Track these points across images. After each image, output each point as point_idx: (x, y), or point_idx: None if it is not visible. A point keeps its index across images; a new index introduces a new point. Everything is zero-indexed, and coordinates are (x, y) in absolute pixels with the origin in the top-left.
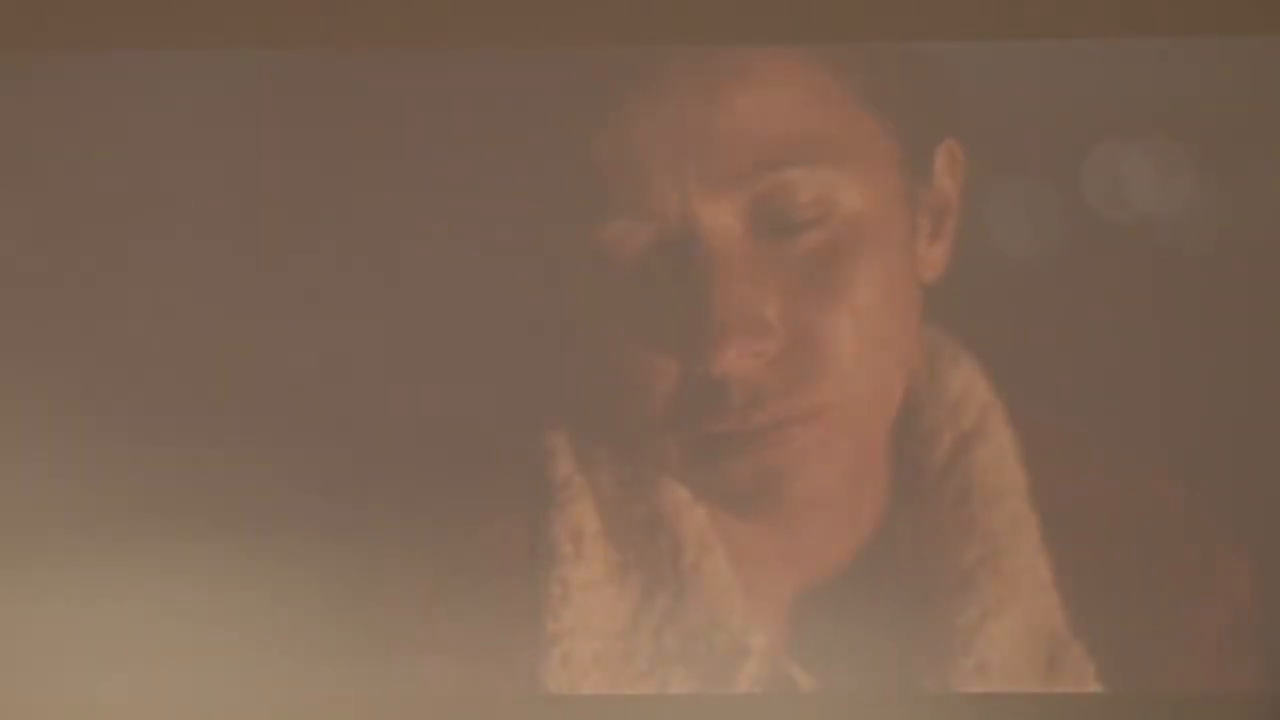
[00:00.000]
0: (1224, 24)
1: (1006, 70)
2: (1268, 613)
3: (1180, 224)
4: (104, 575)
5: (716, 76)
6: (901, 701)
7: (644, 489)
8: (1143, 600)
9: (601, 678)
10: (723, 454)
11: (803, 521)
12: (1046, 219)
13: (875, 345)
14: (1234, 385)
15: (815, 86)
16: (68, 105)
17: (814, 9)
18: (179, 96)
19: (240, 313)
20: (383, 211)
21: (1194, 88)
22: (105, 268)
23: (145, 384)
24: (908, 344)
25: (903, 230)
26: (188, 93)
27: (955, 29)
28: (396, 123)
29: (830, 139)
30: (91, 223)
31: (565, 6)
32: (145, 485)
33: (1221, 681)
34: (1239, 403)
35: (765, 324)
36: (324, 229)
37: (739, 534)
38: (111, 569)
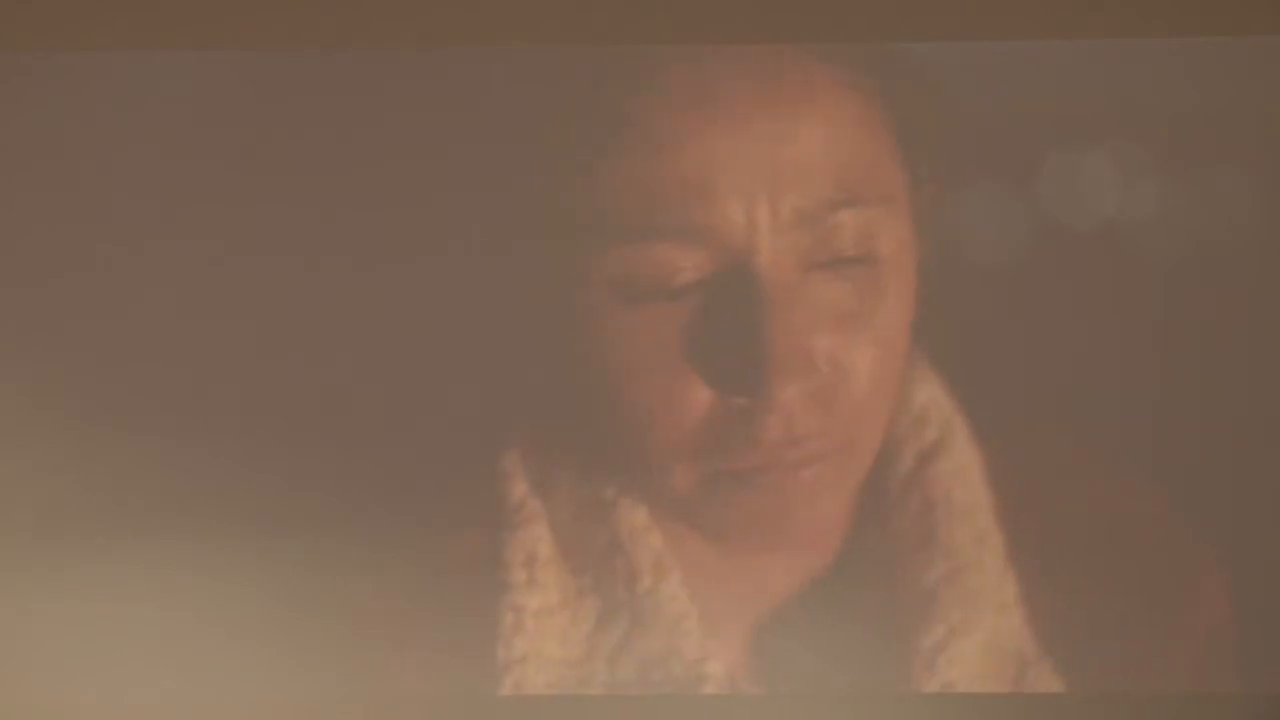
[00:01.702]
0: (1228, 26)
1: (979, 77)
2: (1243, 618)
3: (1150, 232)
4: (85, 579)
5: (785, 99)
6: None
7: (601, 512)
8: (1112, 614)
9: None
10: (737, 488)
11: (774, 547)
12: (1011, 235)
13: (889, 380)
14: (1205, 392)
15: (867, 119)
16: (69, 105)
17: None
18: (177, 97)
19: (230, 319)
20: (391, 220)
21: (1181, 91)
22: (102, 268)
23: (139, 386)
24: (904, 374)
25: (914, 266)
26: (186, 93)
27: (958, 30)
28: (430, 125)
29: (878, 176)
30: (90, 223)
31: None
32: (132, 488)
33: (1196, 687)
34: (1210, 409)
35: (813, 361)
36: (328, 237)
37: (697, 557)
38: (92, 573)
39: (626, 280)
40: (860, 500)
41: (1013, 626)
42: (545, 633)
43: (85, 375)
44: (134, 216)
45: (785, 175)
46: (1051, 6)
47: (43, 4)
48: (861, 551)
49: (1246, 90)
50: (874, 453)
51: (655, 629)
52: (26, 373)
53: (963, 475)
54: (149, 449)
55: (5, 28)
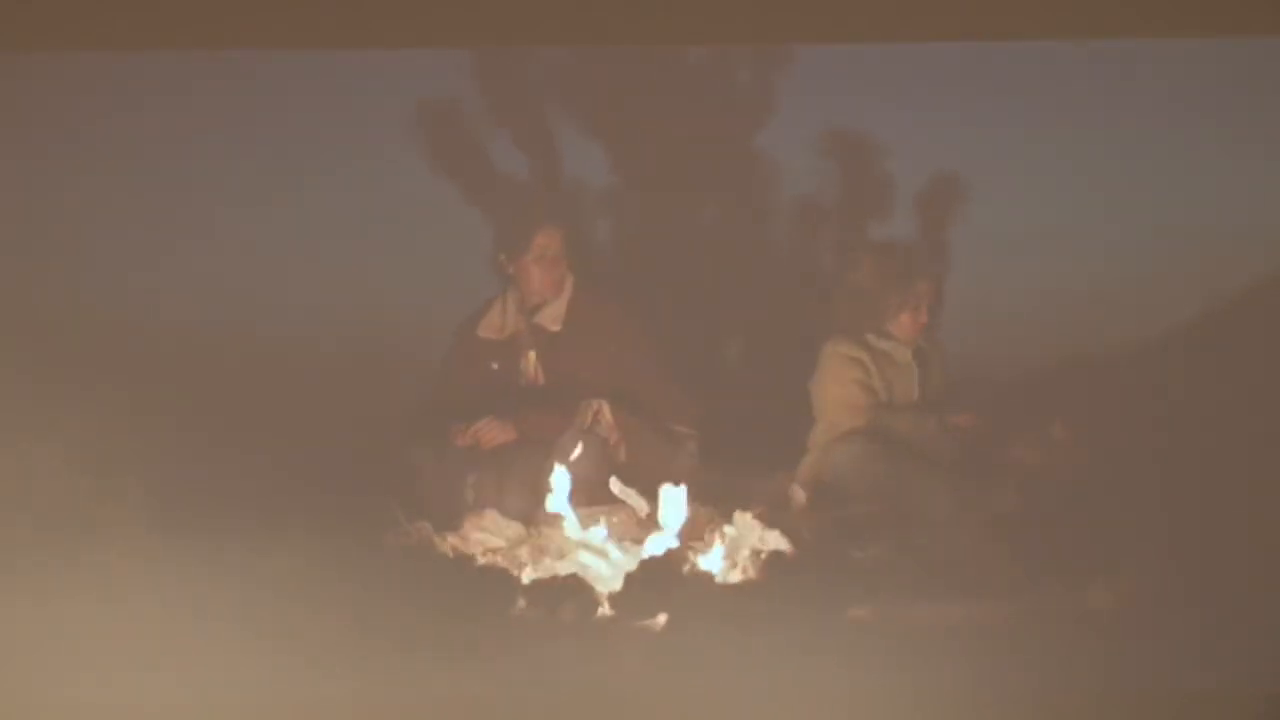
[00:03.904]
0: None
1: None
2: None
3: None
4: (85, 579)
5: None
6: None
7: None
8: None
9: None
10: None
11: None
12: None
13: None
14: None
15: None
16: (69, 105)
17: None
18: (178, 96)
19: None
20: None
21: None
22: (101, 267)
23: (139, 385)
24: None
25: None
26: (187, 93)
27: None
28: None
29: None
30: (83, 222)
31: None
32: (132, 487)
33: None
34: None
35: None
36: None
37: None
38: (92, 573)
39: None
40: None
41: None
42: None
43: (83, 374)
44: (133, 214)
45: None
46: (1051, 6)
47: (43, 4)
48: None
49: (1248, 89)
50: None
51: None
52: (25, 371)
53: None
54: (150, 448)
55: (5, 28)
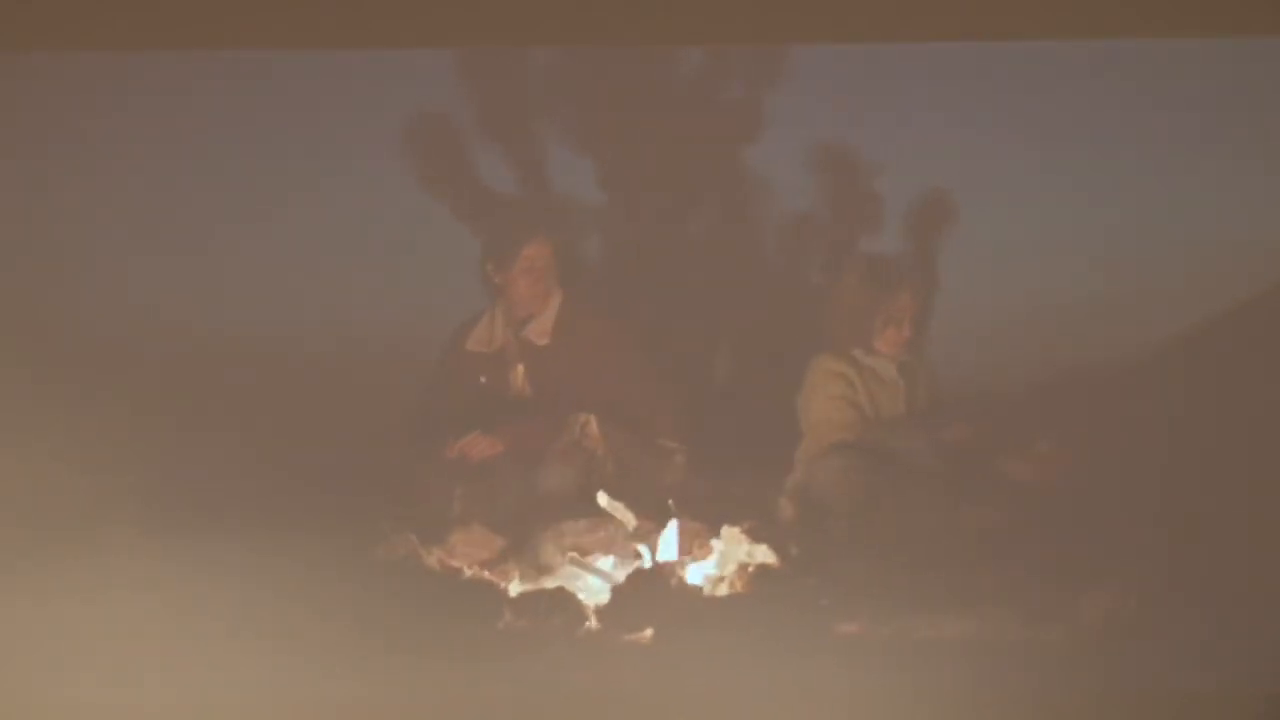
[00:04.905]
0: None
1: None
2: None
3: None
4: (86, 579)
5: None
6: None
7: None
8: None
9: None
10: None
11: None
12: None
13: None
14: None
15: None
16: (69, 105)
17: None
18: (178, 96)
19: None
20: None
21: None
22: (101, 267)
23: (140, 383)
24: None
25: None
26: (187, 93)
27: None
28: None
29: None
30: (83, 222)
31: None
32: (134, 487)
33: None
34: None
35: None
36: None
37: None
38: (93, 573)
39: None
40: None
41: None
42: None
43: (84, 372)
44: (133, 214)
45: None
46: (1051, 6)
47: (43, 4)
48: None
49: (1246, 90)
50: None
51: None
52: (26, 369)
53: None
54: (150, 448)
55: (5, 28)
